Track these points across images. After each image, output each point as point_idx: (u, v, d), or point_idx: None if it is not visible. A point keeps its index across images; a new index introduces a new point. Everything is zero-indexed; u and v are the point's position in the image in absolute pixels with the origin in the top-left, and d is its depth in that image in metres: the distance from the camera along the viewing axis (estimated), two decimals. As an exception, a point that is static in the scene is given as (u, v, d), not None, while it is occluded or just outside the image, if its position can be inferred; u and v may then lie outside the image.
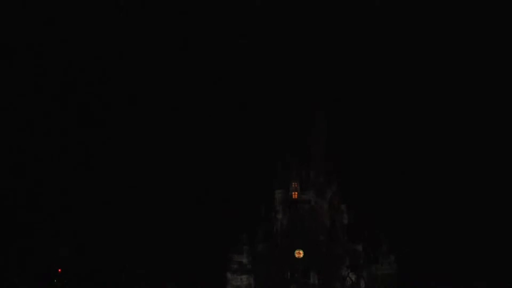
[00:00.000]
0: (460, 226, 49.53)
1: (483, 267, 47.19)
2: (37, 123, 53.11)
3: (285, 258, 46.37)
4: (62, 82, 54.04)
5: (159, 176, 53.16)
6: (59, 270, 48.47)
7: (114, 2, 54.01)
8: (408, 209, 50.14)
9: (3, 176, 50.90)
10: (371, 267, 46.56)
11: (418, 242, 48.57)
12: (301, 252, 46.37)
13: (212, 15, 55.78)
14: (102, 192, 52.29)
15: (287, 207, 47.83)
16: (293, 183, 48.07)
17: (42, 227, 49.95)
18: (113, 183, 52.62)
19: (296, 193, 47.90)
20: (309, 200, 47.88)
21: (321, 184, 48.17)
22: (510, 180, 50.27)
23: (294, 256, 46.35)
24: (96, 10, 53.94)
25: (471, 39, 54.80)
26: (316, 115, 49.21)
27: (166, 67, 55.67)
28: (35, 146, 52.74)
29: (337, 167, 48.69)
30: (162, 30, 55.36)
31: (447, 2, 55.08)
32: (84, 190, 52.35)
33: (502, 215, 49.28)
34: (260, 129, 52.27)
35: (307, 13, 53.91)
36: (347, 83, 53.67)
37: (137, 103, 54.06)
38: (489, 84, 52.54)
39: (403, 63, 55.85)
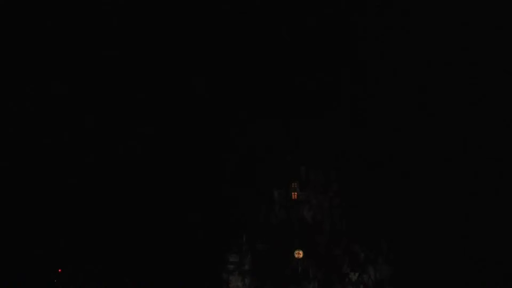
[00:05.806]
0: (460, 227, 49.59)
1: (482, 268, 47.36)
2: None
3: (284, 259, 46.45)
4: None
5: (157, 175, 53.15)
6: (59, 270, 48.56)
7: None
8: (408, 209, 50.13)
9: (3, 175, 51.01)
10: (371, 268, 46.66)
11: (418, 243, 48.64)
12: (301, 252, 46.42)
13: None
14: (101, 192, 52.34)
15: (287, 207, 47.90)
16: (292, 183, 48.15)
17: (41, 227, 50.07)
18: (111, 182, 52.66)
19: (296, 193, 47.99)
20: (308, 200, 47.98)
21: (320, 184, 48.27)
22: (510, 181, 50.27)
23: (294, 256, 46.40)
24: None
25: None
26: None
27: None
28: (34, 146, 52.73)
29: (338, 167, 48.81)
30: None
31: None
32: (83, 190, 52.38)
33: (502, 216, 49.30)
34: (259, 128, 52.24)
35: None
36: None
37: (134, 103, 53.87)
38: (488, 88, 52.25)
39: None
